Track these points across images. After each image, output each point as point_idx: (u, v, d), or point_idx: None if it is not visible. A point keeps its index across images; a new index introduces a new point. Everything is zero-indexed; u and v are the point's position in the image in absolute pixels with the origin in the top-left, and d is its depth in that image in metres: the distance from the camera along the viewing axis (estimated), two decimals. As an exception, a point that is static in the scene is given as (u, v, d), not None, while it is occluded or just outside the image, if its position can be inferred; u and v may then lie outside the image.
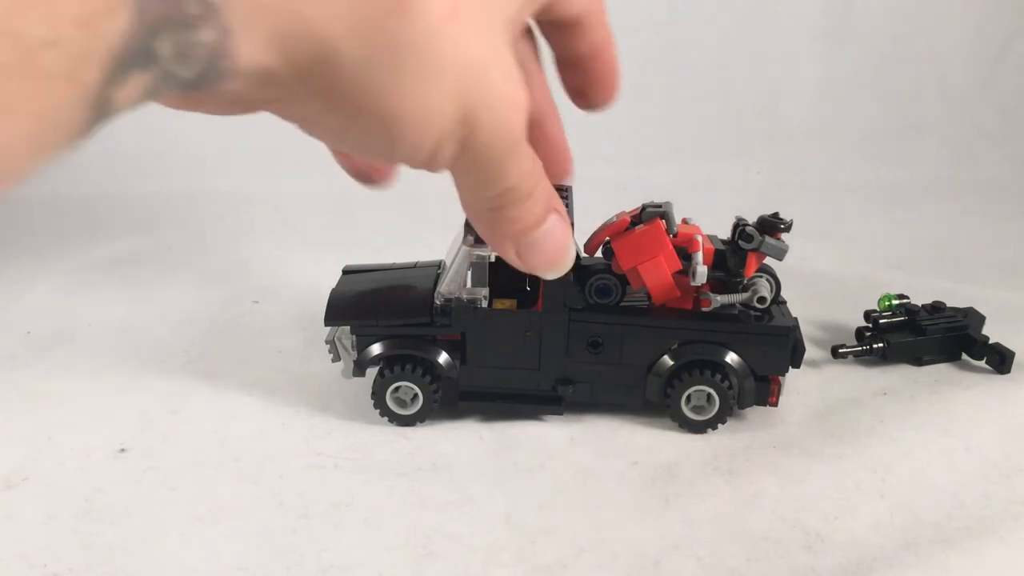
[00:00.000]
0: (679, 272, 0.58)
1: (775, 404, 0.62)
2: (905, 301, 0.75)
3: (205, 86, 0.16)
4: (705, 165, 1.31)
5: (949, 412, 0.64)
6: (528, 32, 0.28)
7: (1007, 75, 1.44)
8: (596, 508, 0.53)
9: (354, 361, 0.63)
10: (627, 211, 0.61)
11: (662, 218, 0.58)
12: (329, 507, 0.53)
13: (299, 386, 0.68)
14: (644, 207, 0.59)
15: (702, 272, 0.57)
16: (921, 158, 1.36)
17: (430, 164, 0.21)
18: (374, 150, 0.20)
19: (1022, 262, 0.99)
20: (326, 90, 0.18)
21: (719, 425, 0.61)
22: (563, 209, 0.25)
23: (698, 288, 0.59)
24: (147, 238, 1.08)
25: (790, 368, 0.61)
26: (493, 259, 0.59)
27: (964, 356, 0.72)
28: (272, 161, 1.27)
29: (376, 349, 0.62)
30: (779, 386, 0.61)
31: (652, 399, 0.62)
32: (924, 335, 0.71)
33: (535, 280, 0.60)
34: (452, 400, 0.63)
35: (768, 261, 0.60)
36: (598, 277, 0.60)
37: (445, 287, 0.60)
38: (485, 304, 0.60)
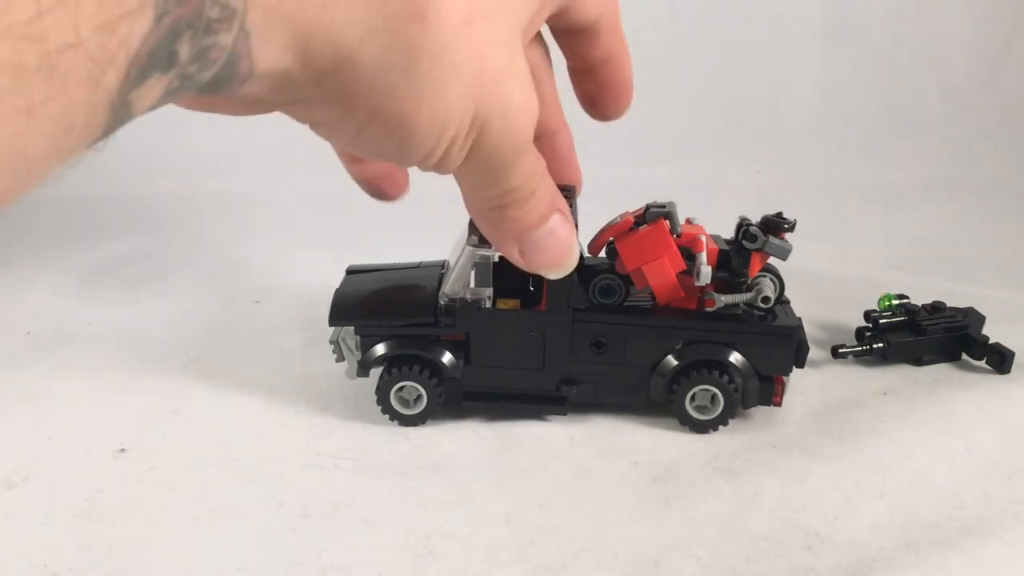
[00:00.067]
0: (683, 272, 0.58)
1: (779, 404, 0.62)
2: (905, 301, 0.75)
3: (223, 88, 0.17)
4: (705, 165, 1.31)
5: (949, 412, 0.64)
6: (539, 39, 0.28)
7: (1007, 75, 1.44)
8: (596, 508, 0.53)
9: (358, 361, 0.62)
10: (631, 211, 0.61)
11: (666, 218, 0.58)
12: (329, 507, 0.53)
13: (299, 386, 0.68)
14: (648, 207, 0.59)
15: (706, 272, 0.57)
16: (921, 158, 1.36)
17: (439, 166, 0.21)
18: (386, 152, 0.21)
19: (1022, 262, 0.99)
20: (342, 94, 0.18)
21: (723, 425, 0.61)
22: (567, 209, 0.25)
23: (702, 288, 0.59)
24: (147, 238, 1.08)
25: (794, 368, 0.61)
26: (497, 259, 0.59)
27: (964, 356, 0.72)
28: (272, 161, 1.27)
29: (380, 349, 0.62)
30: (783, 386, 0.61)
31: (656, 399, 0.62)
32: (924, 335, 0.71)
33: (539, 280, 0.60)
34: (456, 400, 0.63)
35: (772, 261, 0.60)
36: (602, 277, 0.60)
37: (449, 287, 0.60)
38: (489, 304, 0.60)
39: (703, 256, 0.57)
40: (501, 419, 0.63)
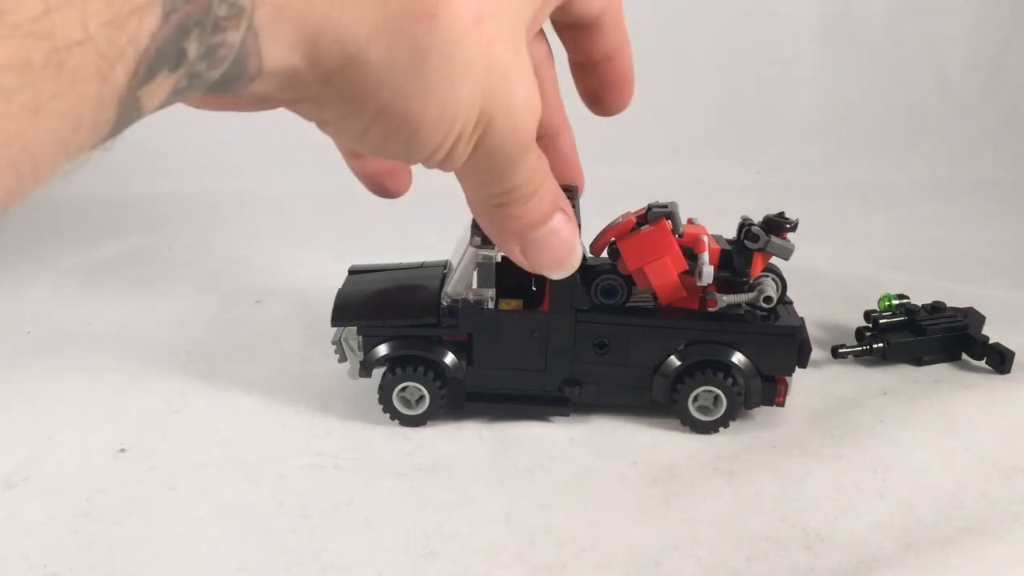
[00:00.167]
0: (685, 272, 0.58)
1: (782, 404, 0.62)
2: (905, 301, 0.75)
3: (232, 87, 0.17)
4: (705, 165, 1.31)
5: (949, 412, 0.64)
6: (542, 38, 0.28)
7: (1007, 75, 1.44)
8: (596, 508, 0.53)
9: (360, 361, 0.62)
10: (632, 211, 0.60)
11: (668, 218, 0.58)
12: (329, 507, 0.53)
13: (299, 386, 0.68)
14: (650, 207, 0.59)
15: (708, 272, 0.57)
16: (921, 158, 1.36)
17: (444, 163, 0.21)
18: (392, 150, 0.21)
19: (1022, 262, 0.99)
20: (350, 91, 0.18)
21: (724, 427, 0.61)
22: (570, 209, 0.25)
23: (704, 288, 0.59)
24: (147, 238, 1.08)
25: (797, 368, 0.61)
26: (500, 259, 0.59)
27: (964, 356, 0.72)
28: (273, 161, 1.27)
29: (383, 349, 0.62)
30: (786, 386, 0.61)
31: (659, 400, 0.62)
32: (924, 335, 0.71)
33: (541, 280, 0.60)
34: (459, 401, 0.63)
35: (774, 260, 0.60)
36: (604, 277, 0.60)
37: (452, 287, 0.60)
38: (492, 305, 0.60)
39: (705, 256, 0.57)
40: (501, 420, 0.63)
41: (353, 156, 0.29)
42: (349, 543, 0.50)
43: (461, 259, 0.60)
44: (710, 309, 0.59)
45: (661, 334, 0.60)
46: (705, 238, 0.58)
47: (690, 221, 0.62)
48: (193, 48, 0.15)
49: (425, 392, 0.61)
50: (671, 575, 0.47)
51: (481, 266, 0.59)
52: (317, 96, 0.19)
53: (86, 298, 0.88)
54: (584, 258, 0.57)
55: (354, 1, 0.17)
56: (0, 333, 0.79)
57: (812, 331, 0.78)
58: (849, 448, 0.59)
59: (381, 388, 0.62)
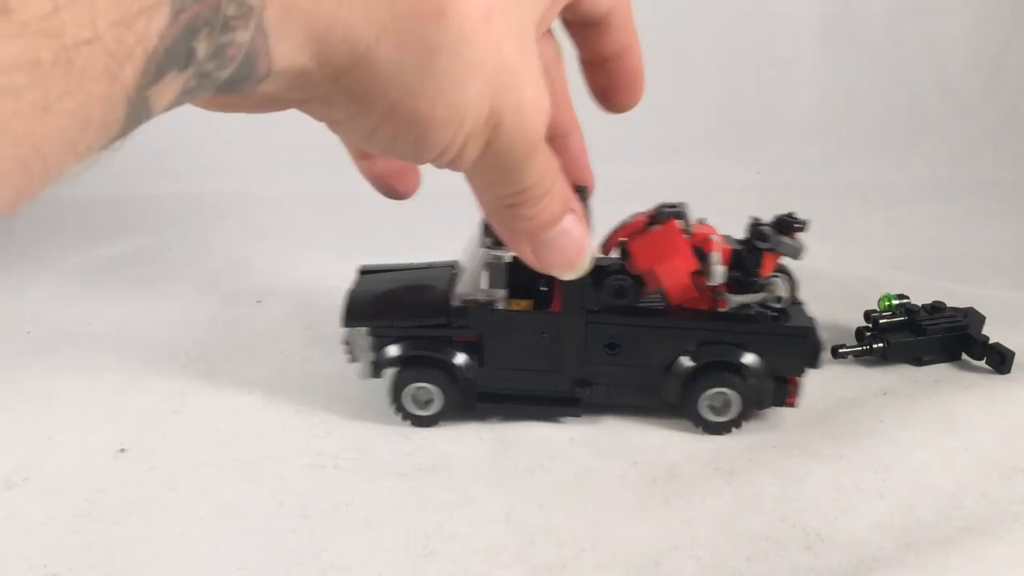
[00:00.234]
0: (695, 272, 0.58)
1: (794, 405, 0.62)
2: (905, 301, 0.75)
3: (241, 87, 0.17)
4: (705, 165, 1.31)
5: (949, 412, 0.64)
6: (552, 38, 0.28)
7: (1007, 75, 1.44)
8: (596, 508, 0.53)
9: (371, 362, 0.62)
10: (642, 212, 0.60)
11: (678, 218, 0.58)
12: (329, 507, 0.53)
13: (299, 386, 0.68)
14: (660, 207, 0.59)
15: (720, 272, 0.57)
16: (921, 158, 1.36)
17: (454, 163, 0.21)
18: (401, 151, 0.21)
19: (1022, 262, 0.99)
20: (359, 92, 0.18)
21: (736, 427, 0.61)
22: (581, 210, 0.25)
23: (714, 288, 0.59)
24: (148, 238, 1.08)
25: (808, 368, 0.60)
26: (510, 259, 0.59)
27: (964, 356, 0.72)
28: (273, 162, 1.27)
29: (393, 350, 0.61)
30: (797, 387, 0.61)
31: (669, 400, 0.61)
32: (924, 335, 0.71)
33: (551, 281, 0.60)
34: (469, 401, 0.62)
35: (784, 260, 0.60)
36: (614, 278, 0.60)
37: (463, 288, 0.60)
38: (503, 306, 0.60)
39: (716, 256, 0.57)
40: (501, 420, 0.63)
41: (361, 156, 0.29)
42: (349, 543, 0.50)
43: (472, 260, 0.60)
44: (721, 309, 0.59)
45: (672, 335, 0.60)
46: (715, 238, 0.58)
47: (700, 222, 0.62)
48: (202, 47, 0.15)
49: (436, 393, 0.61)
50: (671, 575, 0.47)
51: (492, 267, 0.59)
52: (326, 96, 0.19)
53: (86, 298, 0.88)
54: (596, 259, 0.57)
55: (366, 0, 0.17)
56: (0, 333, 0.79)
57: (812, 331, 0.78)
58: (849, 448, 0.59)
59: (392, 388, 0.62)
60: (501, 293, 0.60)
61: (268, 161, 1.27)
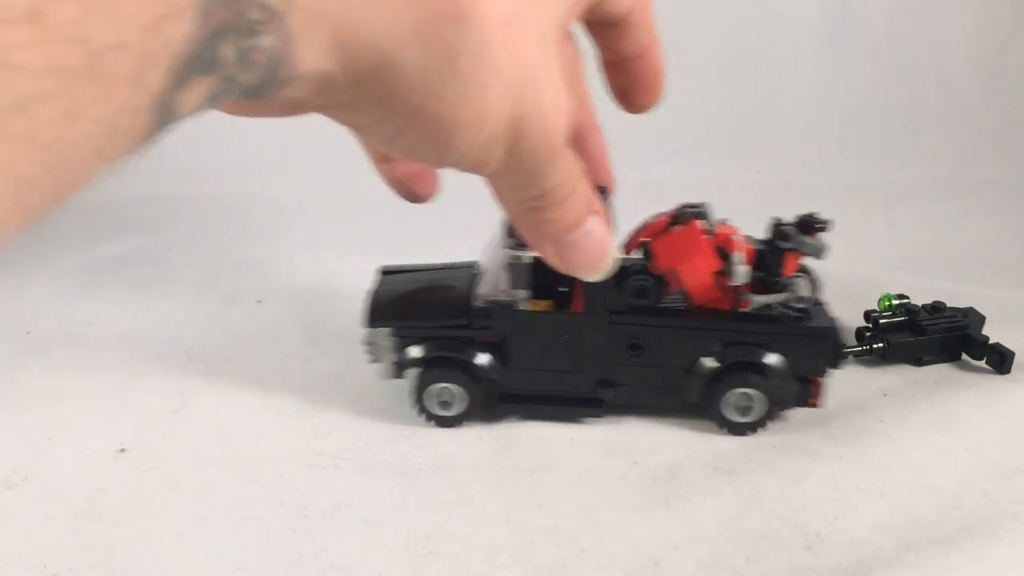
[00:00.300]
0: (718, 272, 0.58)
1: (816, 405, 0.61)
2: (905, 301, 0.75)
3: (265, 92, 0.17)
4: (705, 165, 1.31)
5: (949, 412, 0.64)
6: (572, 39, 0.28)
7: (1007, 75, 1.44)
8: (596, 508, 0.53)
9: (394, 362, 0.62)
10: (664, 211, 0.60)
11: (699, 218, 0.58)
12: (329, 507, 0.53)
13: (299, 386, 0.68)
14: (681, 208, 0.59)
15: (743, 272, 0.57)
16: (921, 158, 1.36)
17: (476, 167, 0.21)
18: (425, 155, 0.21)
19: (1022, 262, 0.99)
20: (383, 96, 0.18)
21: (761, 428, 0.61)
22: (604, 211, 0.25)
23: (736, 288, 0.59)
24: (147, 238, 1.08)
25: (830, 369, 0.60)
26: (532, 260, 0.59)
27: (964, 356, 0.72)
28: (274, 161, 1.27)
29: (416, 350, 0.61)
30: (820, 387, 0.61)
31: (692, 401, 0.61)
32: (924, 335, 0.71)
33: (571, 281, 0.60)
34: (491, 402, 0.62)
35: (807, 260, 0.60)
36: (636, 278, 0.59)
37: (485, 289, 0.60)
38: (525, 306, 0.60)
39: (739, 256, 0.57)
40: (501, 419, 0.63)
41: (381, 160, 0.29)
42: (349, 543, 0.50)
43: (493, 260, 0.60)
44: (743, 310, 0.59)
45: (695, 335, 0.60)
46: (737, 238, 0.58)
47: (722, 222, 0.62)
48: (227, 53, 0.15)
49: (459, 393, 0.61)
50: (671, 575, 0.47)
51: (515, 267, 0.59)
52: (350, 100, 0.19)
53: (86, 298, 0.88)
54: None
55: (387, 5, 0.17)
56: (0, 333, 0.79)
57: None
58: (849, 448, 0.59)
59: (414, 389, 0.61)
60: (524, 294, 0.59)
61: (268, 162, 1.27)
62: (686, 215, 0.58)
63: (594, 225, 0.24)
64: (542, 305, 0.61)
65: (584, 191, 0.23)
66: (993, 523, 0.51)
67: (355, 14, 0.17)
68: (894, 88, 1.43)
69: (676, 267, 0.58)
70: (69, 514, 0.52)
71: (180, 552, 0.49)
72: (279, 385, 0.68)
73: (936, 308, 0.74)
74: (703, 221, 0.58)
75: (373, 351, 0.63)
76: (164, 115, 0.14)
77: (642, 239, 0.60)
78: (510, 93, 0.19)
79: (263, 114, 0.21)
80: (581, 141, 0.29)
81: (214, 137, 1.24)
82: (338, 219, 1.13)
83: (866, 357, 0.72)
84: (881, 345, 0.71)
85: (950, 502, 0.53)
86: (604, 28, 0.27)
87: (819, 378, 0.61)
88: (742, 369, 0.60)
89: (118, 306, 0.85)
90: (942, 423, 0.63)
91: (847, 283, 0.90)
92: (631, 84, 0.29)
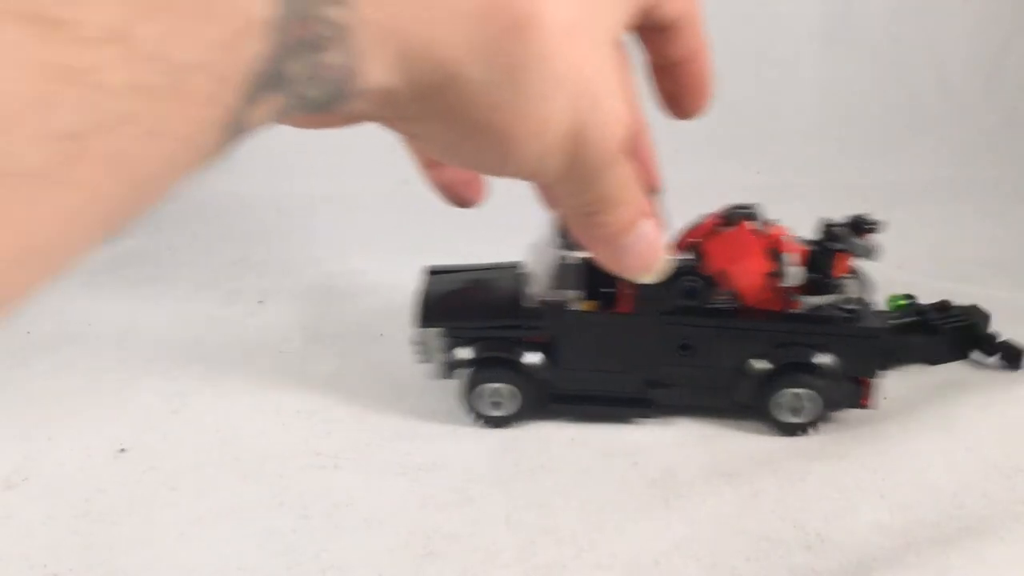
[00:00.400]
0: (769, 273, 0.58)
1: (868, 406, 0.61)
2: (912, 300, 0.75)
3: (331, 106, 0.17)
4: (705, 165, 1.31)
5: (949, 412, 0.64)
6: (620, 43, 0.28)
7: (1007, 75, 1.44)
8: (596, 508, 0.53)
9: (445, 363, 0.62)
10: (713, 212, 0.60)
11: (749, 219, 0.58)
12: (329, 507, 0.53)
13: (299, 386, 0.68)
14: (731, 209, 0.59)
15: (794, 273, 0.57)
16: (921, 158, 1.36)
17: (533, 176, 0.22)
18: (484, 165, 0.21)
19: (1022, 262, 0.99)
20: (445, 109, 0.19)
21: (812, 429, 0.61)
22: (658, 214, 0.25)
23: (787, 289, 0.59)
24: (147, 238, 1.08)
25: (881, 370, 0.60)
26: (583, 261, 0.59)
27: (972, 354, 0.72)
28: (273, 162, 1.27)
29: (468, 351, 0.61)
30: (871, 388, 0.61)
31: (743, 402, 0.61)
32: (937, 334, 0.71)
33: (616, 281, 0.60)
34: (542, 402, 0.62)
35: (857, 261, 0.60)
36: (686, 279, 0.59)
37: (537, 289, 0.60)
38: (577, 307, 0.60)
39: (791, 257, 0.57)
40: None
41: (430, 165, 0.29)
42: (349, 543, 0.50)
43: (542, 261, 0.59)
44: (794, 311, 0.59)
45: (746, 336, 0.60)
46: (788, 239, 0.58)
47: (772, 223, 0.62)
48: (297, 69, 0.15)
49: (510, 393, 0.61)
50: (671, 575, 0.47)
51: (566, 268, 0.59)
52: (412, 113, 0.19)
53: (86, 298, 0.88)
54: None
55: (453, 19, 0.17)
56: (0, 333, 0.79)
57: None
58: (849, 448, 0.59)
59: (465, 389, 0.61)
60: (574, 294, 0.59)
61: (267, 162, 1.27)
62: (736, 216, 0.58)
63: (647, 228, 0.24)
64: (587, 306, 0.61)
65: (637, 195, 0.24)
66: (993, 523, 0.51)
67: (421, 29, 0.17)
68: (894, 88, 1.43)
69: (728, 268, 0.58)
70: (69, 514, 0.52)
71: (180, 552, 0.49)
72: (279, 385, 0.68)
73: (943, 307, 0.74)
74: (754, 222, 0.58)
75: (422, 351, 0.63)
76: (233, 132, 0.15)
77: (692, 240, 0.60)
78: (570, 104, 0.19)
79: (324, 126, 0.21)
80: (631, 143, 0.29)
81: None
82: (338, 219, 1.13)
83: None
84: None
85: (950, 502, 0.53)
86: (653, 32, 0.27)
87: (870, 379, 0.60)
88: (794, 370, 0.59)
89: (118, 306, 0.85)
90: (942, 423, 0.62)
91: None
92: (679, 89, 0.29)
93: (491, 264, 0.69)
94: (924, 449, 0.59)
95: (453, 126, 0.19)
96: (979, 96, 1.43)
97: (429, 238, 0.98)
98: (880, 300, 0.76)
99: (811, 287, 0.59)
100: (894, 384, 0.69)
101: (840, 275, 0.59)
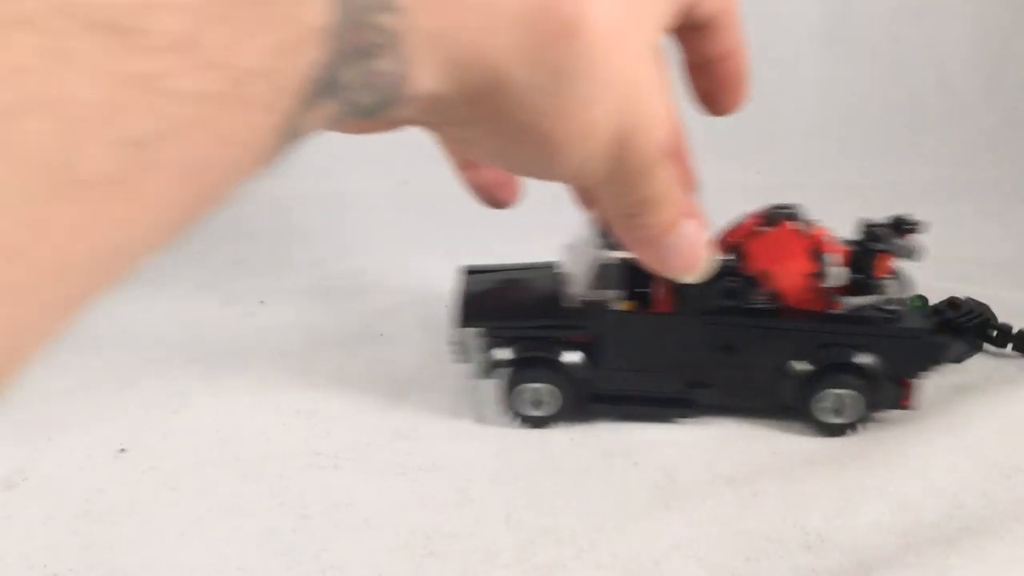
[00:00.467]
0: (811, 274, 0.58)
1: (909, 407, 0.61)
2: (926, 301, 0.75)
3: (380, 112, 0.17)
4: (705, 165, 1.31)
5: (949, 412, 0.64)
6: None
7: (1007, 75, 1.44)
8: (596, 508, 0.53)
9: (485, 362, 0.62)
10: (754, 212, 0.60)
11: (791, 219, 0.58)
12: (329, 507, 0.53)
13: (299, 386, 0.68)
14: (772, 209, 0.59)
15: (837, 273, 0.57)
16: (921, 158, 1.36)
17: (577, 179, 0.22)
18: (528, 168, 0.21)
19: (1022, 262, 0.99)
20: (492, 114, 0.19)
21: (852, 430, 0.61)
22: (701, 214, 0.25)
23: (828, 289, 0.59)
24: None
25: (923, 371, 0.60)
26: (623, 261, 0.59)
27: (986, 347, 0.72)
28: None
29: (508, 351, 0.61)
30: (913, 388, 0.61)
31: (786, 402, 0.61)
32: (961, 332, 0.70)
33: (652, 280, 0.59)
34: (582, 402, 0.62)
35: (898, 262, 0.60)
36: (727, 279, 0.59)
37: (578, 288, 0.60)
38: (618, 307, 0.60)
39: (833, 257, 0.57)
40: (500, 419, 0.63)
41: (466, 167, 0.29)
42: (349, 543, 0.50)
43: (581, 260, 0.59)
44: (835, 311, 0.59)
45: (787, 336, 0.60)
46: (830, 239, 0.58)
47: (812, 223, 0.62)
48: (351, 76, 0.15)
49: (549, 393, 0.61)
50: (671, 575, 0.47)
51: (607, 268, 0.59)
52: (459, 118, 0.19)
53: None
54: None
55: (501, 25, 0.17)
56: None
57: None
58: (849, 448, 0.59)
59: (505, 389, 0.61)
60: (616, 294, 0.59)
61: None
62: (778, 216, 0.58)
63: (689, 228, 0.24)
64: (626, 306, 0.61)
65: (679, 196, 0.24)
66: (993, 523, 0.51)
67: (469, 35, 0.17)
68: (894, 88, 1.43)
69: (771, 268, 0.58)
70: (69, 514, 0.52)
71: (180, 552, 0.49)
72: (279, 385, 0.68)
73: (953, 304, 0.73)
74: (796, 222, 0.58)
75: (461, 351, 0.63)
76: (289, 137, 0.15)
77: (732, 240, 0.60)
78: (616, 108, 0.19)
79: (364, 131, 0.21)
80: (674, 146, 0.30)
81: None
82: (338, 219, 1.13)
83: None
84: None
85: (950, 502, 0.53)
86: (690, 30, 0.27)
87: (911, 380, 0.60)
88: (836, 370, 0.59)
89: (118, 305, 0.85)
90: (942, 423, 0.62)
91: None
92: (716, 87, 0.29)
93: (527, 264, 0.69)
94: (924, 449, 0.59)
95: (499, 130, 0.19)
96: (979, 96, 1.43)
97: (430, 238, 0.98)
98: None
99: (852, 287, 0.59)
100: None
101: (881, 276, 0.59)
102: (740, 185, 1.27)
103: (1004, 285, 0.91)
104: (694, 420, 0.62)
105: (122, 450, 0.59)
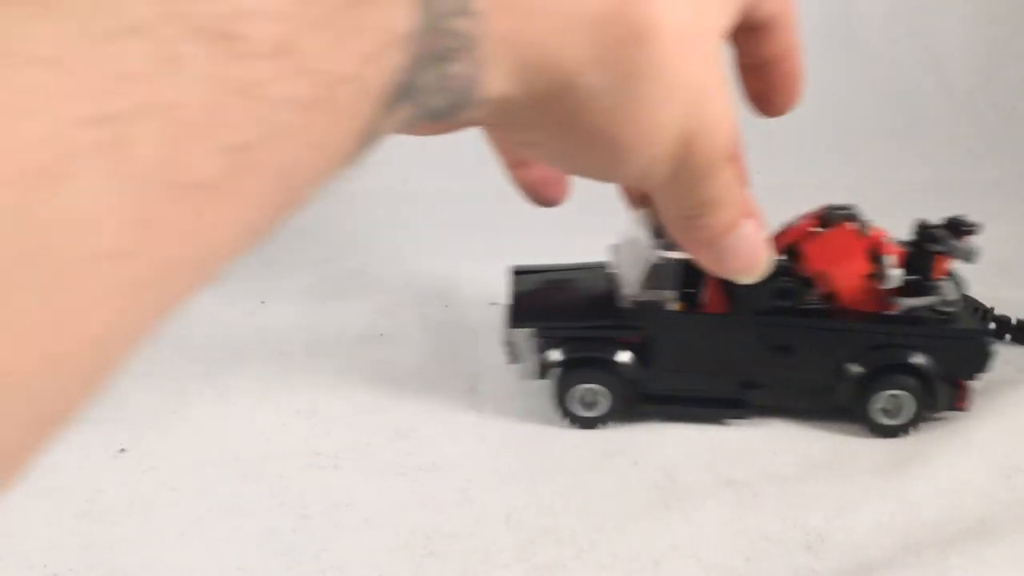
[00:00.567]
0: (868, 275, 0.58)
1: (963, 408, 0.61)
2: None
3: (451, 115, 0.17)
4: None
5: (949, 412, 0.64)
6: None
7: (1007, 75, 1.44)
8: (596, 508, 0.53)
9: (537, 363, 0.62)
10: (809, 213, 0.60)
11: (848, 220, 0.58)
12: (329, 507, 0.53)
13: (300, 386, 0.68)
14: (828, 209, 0.59)
15: (894, 275, 0.57)
16: (921, 158, 1.36)
17: (640, 182, 0.22)
18: (592, 171, 0.21)
19: (1022, 262, 0.99)
20: (560, 117, 0.19)
21: (906, 432, 0.60)
22: (760, 214, 0.25)
23: (885, 290, 0.58)
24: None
25: (978, 372, 0.60)
26: (679, 261, 0.59)
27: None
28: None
29: (560, 351, 0.61)
30: (968, 390, 0.60)
31: (842, 404, 0.61)
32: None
33: (703, 281, 0.59)
34: (632, 403, 0.62)
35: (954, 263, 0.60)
36: (783, 279, 0.59)
37: (631, 289, 0.60)
38: (672, 307, 0.59)
39: (891, 259, 0.57)
40: (501, 419, 0.63)
41: (515, 165, 0.29)
42: (349, 543, 0.50)
43: (635, 260, 0.59)
44: (891, 312, 0.59)
45: (844, 337, 0.59)
46: (887, 240, 0.58)
47: (870, 224, 0.62)
48: (427, 79, 0.15)
49: (602, 394, 0.61)
50: (671, 575, 0.47)
51: (662, 268, 0.58)
52: (526, 121, 0.19)
53: (86, 298, 0.88)
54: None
55: (572, 29, 0.17)
56: None
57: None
58: (849, 448, 0.59)
59: (557, 390, 0.61)
60: (670, 294, 0.59)
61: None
62: (835, 217, 0.58)
63: (748, 228, 0.24)
64: (678, 306, 0.61)
65: (740, 196, 0.24)
66: (993, 523, 0.51)
67: (541, 38, 0.17)
68: (894, 88, 1.43)
69: (828, 269, 0.58)
70: (69, 514, 0.52)
71: (180, 552, 0.49)
72: (279, 385, 0.68)
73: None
74: (854, 223, 0.58)
75: (513, 352, 0.63)
76: (369, 140, 0.15)
77: (788, 241, 0.60)
78: (682, 111, 0.20)
79: (436, 132, 0.22)
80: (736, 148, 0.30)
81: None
82: (339, 219, 1.13)
83: None
84: None
85: (950, 502, 0.53)
86: (746, 31, 0.27)
87: (966, 381, 0.60)
88: (891, 371, 0.59)
89: (118, 306, 0.85)
90: (942, 423, 0.62)
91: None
92: (770, 88, 0.29)
93: (575, 264, 0.68)
94: (924, 449, 0.59)
95: (567, 133, 0.19)
96: (979, 96, 1.43)
97: (431, 237, 0.98)
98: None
99: (908, 289, 0.59)
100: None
101: (938, 277, 0.59)
102: (740, 185, 1.28)
103: (1005, 285, 0.91)
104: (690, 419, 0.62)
105: (122, 450, 0.59)
